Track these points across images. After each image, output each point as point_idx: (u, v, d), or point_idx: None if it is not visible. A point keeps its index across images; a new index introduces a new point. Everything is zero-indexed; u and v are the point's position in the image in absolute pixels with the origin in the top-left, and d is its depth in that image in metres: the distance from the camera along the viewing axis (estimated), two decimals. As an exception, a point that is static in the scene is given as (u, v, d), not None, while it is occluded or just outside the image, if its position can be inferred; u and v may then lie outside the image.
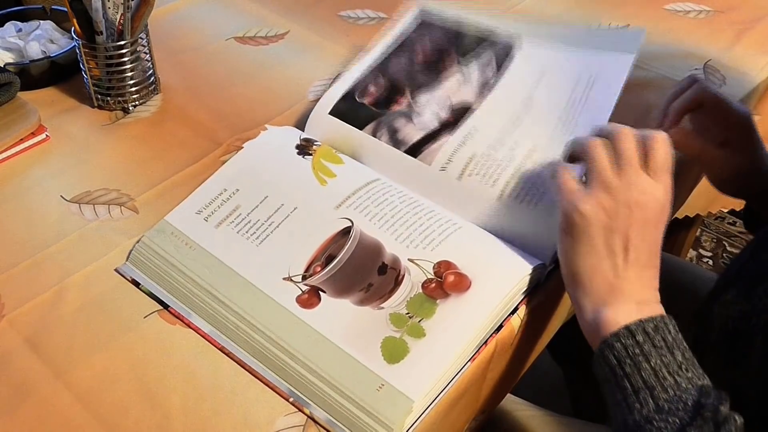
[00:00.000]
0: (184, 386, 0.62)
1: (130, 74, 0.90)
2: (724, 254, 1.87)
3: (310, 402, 0.61)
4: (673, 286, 0.95)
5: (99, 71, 0.89)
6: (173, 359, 0.64)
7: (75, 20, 0.86)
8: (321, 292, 0.66)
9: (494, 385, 0.70)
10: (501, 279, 0.66)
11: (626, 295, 0.60)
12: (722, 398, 0.53)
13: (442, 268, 0.67)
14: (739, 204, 0.91)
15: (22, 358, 0.64)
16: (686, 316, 0.73)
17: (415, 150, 0.76)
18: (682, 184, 0.92)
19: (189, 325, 0.66)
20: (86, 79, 0.90)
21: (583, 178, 0.64)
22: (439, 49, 0.86)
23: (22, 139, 0.84)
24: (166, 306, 0.68)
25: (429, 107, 0.79)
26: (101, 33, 0.86)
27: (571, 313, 0.77)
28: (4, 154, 0.83)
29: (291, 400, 0.61)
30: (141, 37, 0.89)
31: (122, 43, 0.87)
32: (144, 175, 0.82)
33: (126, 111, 0.91)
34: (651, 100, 0.94)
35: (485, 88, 0.80)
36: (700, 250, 1.88)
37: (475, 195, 0.71)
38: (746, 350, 0.60)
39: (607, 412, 0.59)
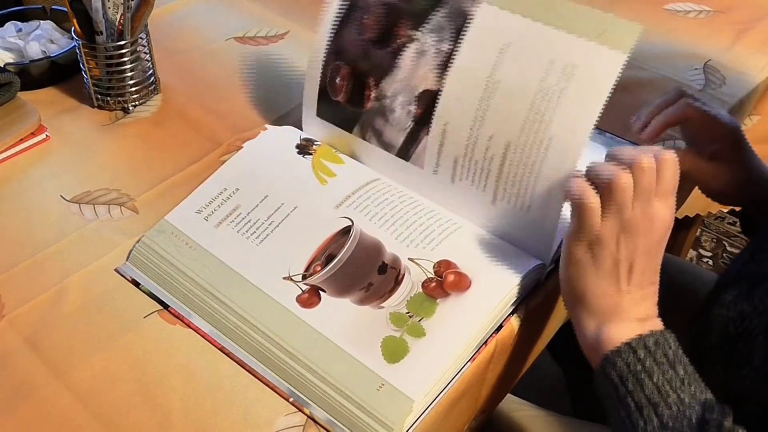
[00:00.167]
0: (184, 386, 0.62)
1: (130, 74, 0.90)
2: (724, 254, 1.87)
3: (310, 402, 0.61)
4: (673, 287, 0.95)
5: (99, 71, 0.89)
6: (173, 359, 0.64)
7: (75, 20, 0.86)
8: (321, 292, 0.66)
9: (494, 385, 0.70)
10: (501, 279, 0.66)
11: (629, 313, 0.60)
12: (726, 412, 0.53)
13: (442, 267, 0.67)
14: (738, 204, 0.92)
15: (22, 358, 0.64)
16: (686, 316, 0.73)
17: (404, 152, 0.75)
18: (682, 185, 0.92)
19: (189, 325, 0.66)
20: (86, 79, 0.90)
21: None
22: (387, 15, 0.75)
23: (22, 139, 0.84)
24: (166, 306, 0.68)
25: (397, 101, 0.76)
26: (101, 33, 0.86)
27: (571, 313, 0.77)
28: (4, 154, 0.83)
29: (291, 400, 0.61)
30: (141, 37, 0.89)
31: (122, 43, 0.87)
32: (144, 175, 0.82)
33: (126, 111, 0.91)
34: (651, 100, 0.94)
35: (444, 65, 0.71)
36: (700, 250, 1.88)
37: (470, 198, 0.71)
38: (746, 351, 0.60)
39: (607, 414, 0.59)
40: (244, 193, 0.74)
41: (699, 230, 1.90)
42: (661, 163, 0.60)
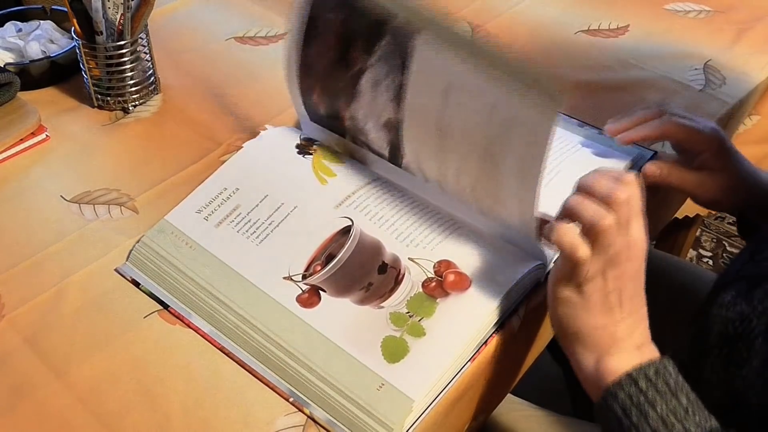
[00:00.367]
0: (184, 386, 0.62)
1: (130, 74, 0.90)
2: (724, 254, 1.87)
3: (310, 402, 0.61)
4: (673, 287, 0.96)
5: (99, 71, 0.89)
6: (173, 359, 0.64)
7: (75, 20, 0.86)
8: (321, 292, 0.66)
9: (494, 385, 0.70)
10: (501, 279, 0.66)
11: (625, 342, 0.60)
12: None
13: (443, 267, 0.67)
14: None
15: (22, 358, 0.64)
16: (686, 316, 0.73)
17: (394, 161, 0.75)
18: (674, 194, 0.92)
19: (189, 325, 0.66)
20: (86, 79, 0.90)
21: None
22: (343, 34, 0.71)
23: (22, 139, 0.84)
24: (166, 306, 0.68)
25: (368, 124, 0.75)
26: (101, 33, 0.86)
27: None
28: (4, 154, 0.83)
29: (291, 400, 0.61)
30: (141, 37, 0.89)
31: (122, 43, 0.87)
32: (144, 175, 0.82)
33: (126, 111, 0.91)
34: (651, 99, 0.94)
35: (398, 97, 0.69)
36: (700, 250, 1.88)
37: (461, 207, 0.71)
38: (746, 352, 0.60)
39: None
40: (244, 192, 0.74)
41: (699, 230, 1.90)
42: (624, 186, 0.60)
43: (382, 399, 0.59)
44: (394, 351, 0.62)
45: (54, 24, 0.98)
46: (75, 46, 0.88)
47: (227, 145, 0.85)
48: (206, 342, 0.65)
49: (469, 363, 0.63)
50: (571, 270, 0.60)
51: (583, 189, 0.61)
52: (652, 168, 0.76)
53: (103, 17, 0.84)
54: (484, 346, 0.64)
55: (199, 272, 0.68)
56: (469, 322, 0.63)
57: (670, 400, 0.55)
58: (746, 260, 0.67)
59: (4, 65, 0.90)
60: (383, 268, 0.67)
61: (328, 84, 0.75)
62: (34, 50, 0.94)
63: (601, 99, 0.94)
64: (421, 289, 0.65)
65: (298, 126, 0.83)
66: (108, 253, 0.73)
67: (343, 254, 0.68)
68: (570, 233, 0.59)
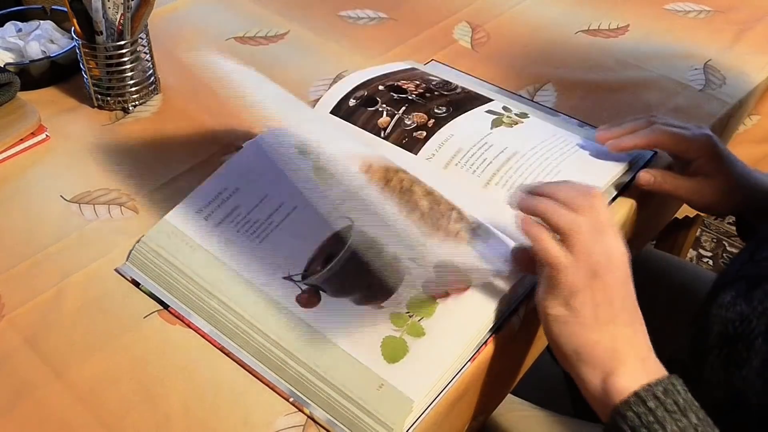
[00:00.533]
0: (183, 386, 0.62)
1: (130, 74, 0.90)
2: (724, 254, 1.87)
3: (309, 402, 0.61)
4: (673, 287, 0.96)
5: (99, 71, 0.89)
6: (173, 359, 0.64)
7: (75, 20, 0.86)
8: (321, 292, 0.66)
9: (494, 385, 0.70)
10: (501, 278, 0.66)
11: (628, 355, 0.59)
12: None
13: (442, 267, 0.67)
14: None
15: (22, 357, 0.64)
16: (686, 316, 0.73)
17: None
18: (670, 201, 0.92)
19: (189, 325, 0.66)
20: (86, 79, 0.90)
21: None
22: None
23: (22, 139, 0.84)
24: (166, 306, 0.68)
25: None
26: (101, 33, 0.86)
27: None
28: (4, 154, 0.83)
29: (291, 399, 0.61)
30: (141, 37, 0.89)
31: (122, 43, 0.87)
32: (144, 175, 0.82)
33: (126, 111, 0.91)
34: (651, 99, 0.94)
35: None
36: (700, 250, 1.88)
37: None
38: (746, 352, 0.60)
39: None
40: (244, 192, 0.74)
41: (699, 230, 1.90)
42: (590, 200, 0.62)
43: (382, 399, 0.59)
44: (393, 351, 0.62)
45: (54, 24, 0.98)
46: (75, 46, 0.88)
47: (227, 145, 0.85)
48: (206, 342, 0.65)
49: (469, 363, 0.63)
50: (554, 282, 0.60)
51: (548, 195, 0.62)
52: (645, 176, 0.76)
53: (103, 17, 0.84)
54: (484, 346, 0.64)
55: (199, 272, 0.68)
56: (469, 323, 0.63)
57: (680, 420, 0.54)
58: (745, 260, 0.67)
59: (4, 65, 0.90)
60: (383, 268, 0.67)
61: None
62: (34, 50, 0.94)
63: (600, 99, 0.94)
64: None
65: (298, 126, 0.83)
66: (108, 253, 0.73)
67: (342, 254, 0.68)
68: (550, 243, 0.60)
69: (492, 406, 0.76)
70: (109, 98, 0.91)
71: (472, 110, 0.82)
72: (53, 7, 1.00)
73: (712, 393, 0.55)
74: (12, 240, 0.74)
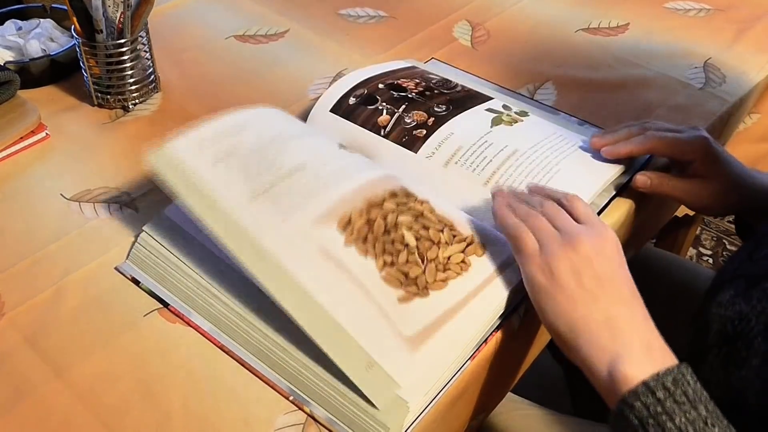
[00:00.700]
0: (184, 385, 0.62)
1: (130, 72, 0.90)
2: (724, 252, 1.87)
3: (309, 400, 0.61)
4: (673, 285, 0.96)
5: (99, 70, 0.89)
6: (173, 357, 0.64)
7: (75, 18, 0.86)
8: None
9: (494, 384, 0.70)
10: (501, 277, 0.66)
11: (632, 339, 0.58)
12: None
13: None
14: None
15: (22, 356, 0.64)
16: (686, 315, 0.73)
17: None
18: (669, 203, 0.92)
19: (189, 324, 0.66)
20: (86, 77, 0.90)
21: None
22: None
23: (22, 138, 0.84)
24: (166, 304, 0.68)
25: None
26: (101, 31, 0.86)
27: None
28: (4, 153, 0.83)
29: (291, 398, 0.61)
30: (141, 36, 0.89)
31: (122, 41, 0.87)
32: (144, 174, 0.82)
33: (126, 109, 0.91)
34: (651, 98, 0.94)
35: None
36: (700, 249, 1.88)
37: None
38: (745, 351, 0.60)
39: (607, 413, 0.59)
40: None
41: (699, 228, 1.90)
42: (567, 203, 0.66)
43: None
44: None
45: (54, 22, 0.98)
46: (75, 44, 0.88)
47: (227, 144, 0.85)
48: (206, 340, 0.65)
49: (468, 362, 0.63)
50: (515, 241, 0.64)
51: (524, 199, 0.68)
52: (642, 178, 0.77)
53: (103, 15, 0.84)
54: (483, 344, 0.64)
55: (198, 265, 0.68)
56: (469, 321, 0.63)
57: (689, 411, 0.53)
58: (744, 259, 0.67)
59: (4, 63, 0.90)
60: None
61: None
62: (34, 48, 0.94)
63: (601, 97, 0.94)
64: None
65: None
66: (108, 252, 0.73)
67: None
68: (497, 205, 0.67)
69: (492, 405, 0.76)
70: (109, 97, 0.91)
71: (472, 108, 0.82)
72: (53, 5, 1.00)
73: (711, 393, 0.55)
74: (12, 238, 0.74)
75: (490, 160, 0.75)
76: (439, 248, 0.65)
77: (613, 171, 0.77)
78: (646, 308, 0.61)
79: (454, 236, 0.66)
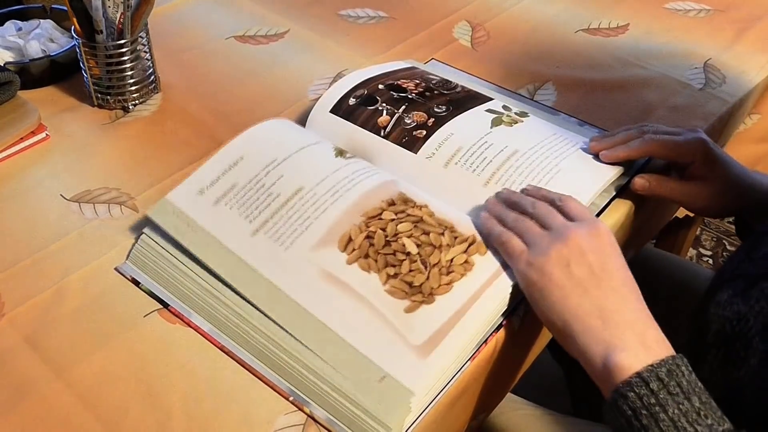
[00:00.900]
0: (184, 385, 0.62)
1: (130, 73, 0.90)
2: (724, 253, 1.87)
3: (309, 401, 0.61)
4: (673, 285, 0.96)
5: (99, 70, 0.89)
6: (173, 358, 0.64)
7: (75, 19, 0.86)
8: None
9: (494, 384, 0.70)
10: (501, 277, 0.66)
11: (622, 326, 0.58)
12: None
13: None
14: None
15: (22, 356, 0.64)
16: (686, 315, 0.73)
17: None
18: (668, 204, 0.92)
19: (189, 324, 0.66)
20: (86, 78, 0.90)
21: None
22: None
23: (22, 138, 0.84)
24: (165, 305, 0.68)
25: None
26: (101, 32, 0.86)
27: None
28: (4, 153, 0.83)
29: (291, 398, 0.61)
30: (141, 36, 0.89)
31: (122, 42, 0.87)
32: (144, 174, 0.82)
33: (126, 110, 0.91)
34: (651, 99, 0.94)
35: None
36: (700, 249, 1.88)
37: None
38: (743, 351, 0.60)
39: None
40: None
41: (699, 229, 1.90)
42: (561, 204, 0.67)
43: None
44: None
45: (54, 23, 0.98)
46: (75, 45, 0.88)
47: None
48: (206, 341, 0.65)
49: (468, 362, 0.63)
50: (503, 248, 0.65)
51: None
52: (640, 181, 0.77)
53: (103, 16, 0.84)
54: (484, 345, 0.64)
55: (205, 259, 0.68)
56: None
57: (682, 403, 0.54)
58: (742, 259, 0.67)
59: (4, 64, 0.90)
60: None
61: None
62: (34, 49, 0.94)
63: (601, 98, 0.94)
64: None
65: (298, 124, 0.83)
66: (108, 252, 0.73)
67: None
68: (483, 219, 0.68)
69: (492, 405, 0.76)
70: (109, 97, 0.91)
71: (471, 109, 0.82)
72: (53, 6, 1.00)
73: (711, 392, 0.55)
74: (12, 239, 0.74)
75: (490, 161, 0.75)
76: (441, 252, 0.65)
77: (613, 172, 0.77)
78: (642, 300, 0.61)
79: (456, 237, 0.67)
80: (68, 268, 0.71)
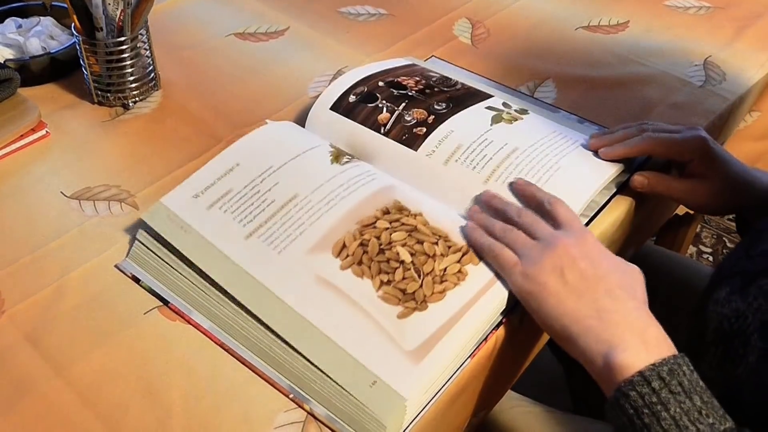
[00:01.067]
0: (184, 382, 0.62)
1: (130, 70, 0.90)
2: (724, 250, 1.87)
3: (309, 398, 0.61)
4: (673, 283, 0.96)
5: (99, 67, 0.89)
6: (173, 355, 0.64)
7: (75, 16, 0.86)
8: None
9: (494, 382, 0.70)
10: (498, 283, 0.66)
11: (621, 326, 0.59)
12: None
13: (442, 264, 0.67)
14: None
15: (22, 354, 0.64)
16: (686, 313, 0.73)
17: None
18: (667, 203, 0.92)
19: (189, 322, 0.66)
20: (86, 75, 0.90)
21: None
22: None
23: (22, 135, 0.84)
24: (166, 302, 0.68)
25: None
26: (101, 29, 0.86)
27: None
28: (5, 150, 0.83)
29: (291, 396, 0.61)
30: (141, 33, 0.89)
31: (122, 39, 0.87)
32: (144, 172, 0.82)
33: (126, 107, 0.91)
34: (651, 96, 0.94)
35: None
36: (701, 246, 1.88)
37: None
38: (741, 349, 0.60)
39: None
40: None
41: (699, 226, 1.90)
42: (549, 207, 0.68)
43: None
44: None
45: (54, 20, 0.98)
46: (75, 42, 0.88)
47: (227, 141, 0.85)
48: (206, 338, 0.65)
49: (469, 359, 0.63)
50: (494, 260, 0.65)
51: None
52: (639, 179, 0.77)
53: (104, 13, 0.84)
54: (484, 342, 0.65)
55: (197, 262, 0.68)
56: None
57: (684, 401, 0.54)
58: (740, 256, 0.67)
59: (4, 61, 0.90)
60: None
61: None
62: (34, 46, 0.94)
63: (601, 95, 0.94)
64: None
65: (298, 122, 0.83)
66: (108, 250, 0.73)
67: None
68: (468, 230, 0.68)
69: (492, 403, 0.76)
70: (109, 94, 0.91)
71: (471, 106, 0.82)
72: (53, 3, 1.00)
73: (710, 390, 0.55)
74: (12, 236, 0.74)
75: (490, 158, 0.75)
76: (434, 261, 0.66)
77: (614, 169, 0.77)
78: (641, 299, 0.61)
79: (449, 247, 0.67)
80: (68, 266, 0.71)
